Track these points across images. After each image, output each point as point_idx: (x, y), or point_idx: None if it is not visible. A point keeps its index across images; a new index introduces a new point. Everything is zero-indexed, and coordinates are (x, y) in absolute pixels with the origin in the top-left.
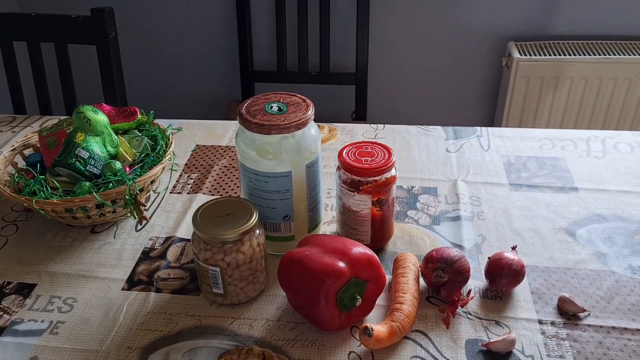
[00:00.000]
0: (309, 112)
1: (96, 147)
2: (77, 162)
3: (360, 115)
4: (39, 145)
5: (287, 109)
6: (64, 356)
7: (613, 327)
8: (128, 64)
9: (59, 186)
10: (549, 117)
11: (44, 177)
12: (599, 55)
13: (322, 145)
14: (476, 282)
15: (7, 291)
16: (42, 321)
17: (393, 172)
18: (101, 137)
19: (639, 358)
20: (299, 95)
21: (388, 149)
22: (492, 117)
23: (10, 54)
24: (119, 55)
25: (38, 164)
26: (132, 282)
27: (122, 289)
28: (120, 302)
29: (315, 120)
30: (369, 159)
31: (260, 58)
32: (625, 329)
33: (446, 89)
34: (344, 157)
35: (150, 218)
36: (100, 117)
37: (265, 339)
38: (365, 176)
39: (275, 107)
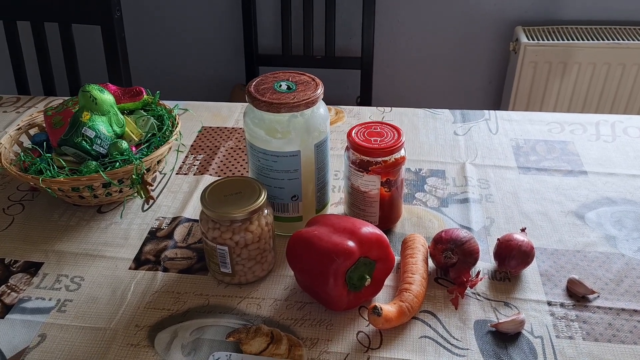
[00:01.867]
0: (318, 91)
1: (102, 126)
2: (84, 142)
3: (365, 100)
4: (44, 124)
5: (296, 87)
6: (72, 334)
7: (622, 309)
8: (132, 46)
9: (65, 165)
10: (556, 102)
11: (50, 155)
12: (607, 40)
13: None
14: (485, 264)
15: (14, 269)
16: (50, 299)
17: (402, 152)
18: (107, 117)
19: None
20: (308, 74)
21: (397, 130)
22: (498, 102)
23: (13, 34)
24: (124, 36)
25: (44, 143)
26: (139, 262)
27: (130, 268)
28: (127, 281)
29: None
30: (379, 139)
31: (265, 42)
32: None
33: (452, 74)
34: (353, 137)
35: (156, 199)
36: (106, 97)
37: (274, 318)
38: (374, 156)
39: (284, 86)
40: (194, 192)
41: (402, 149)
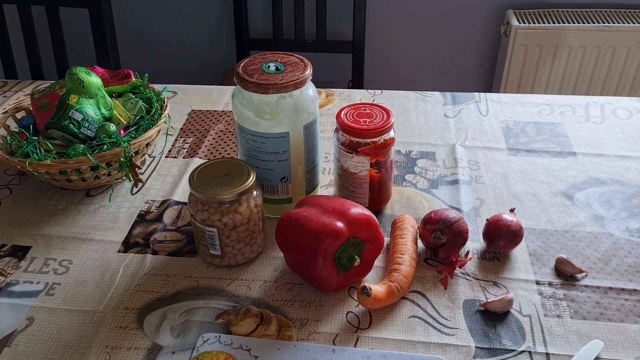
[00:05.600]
0: (307, 72)
1: (90, 109)
2: (71, 124)
3: (357, 84)
4: (31, 108)
5: (284, 68)
6: (61, 317)
7: (610, 288)
8: (122, 30)
9: (52, 148)
10: (546, 85)
11: (37, 138)
12: (598, 23)
13: (319, 110)
14: (474, 244)
15: (2, 253)
16: (38, 283)
17: (392, 133)
18: (95, 100)
19: (635, 317)
20: (296, 55)
21: (387, 111)
22: (490, 85)
23: (0, 17)
24: (112, 19)
25: (31, 127)
26: (128, 245)
27: (118, 251)
28: (116, 264)
29: None
30: (368, 120)
31: (256, 25)
32: (622, 289)
33: (444, 58)
34: (342, 118)
35: (145, 182)
36: (93, 79)
37: (263, 299)
38: (363, 137)
39: (272, 67)
40: (183, 175)
41: (392, 130)
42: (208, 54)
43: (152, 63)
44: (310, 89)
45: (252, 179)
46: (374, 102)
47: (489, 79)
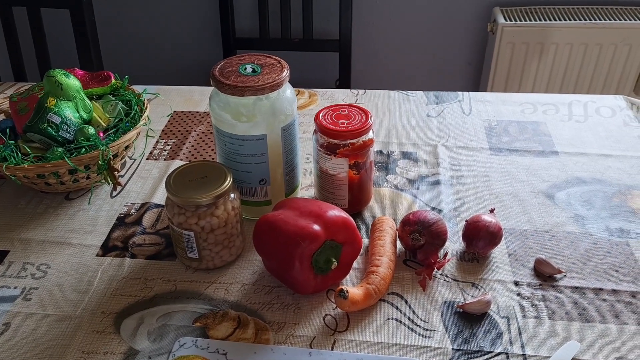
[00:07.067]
0: (284, 74)
1: (69, 112)
2: (49, 128)
3: (344, 83)
4: (10, 111)
5: (261, 70)
6: (37, 322)
7: (589, 288)
8: (107, 32)
9: (30, 152)
10: (533, 83)
11: (14, 142)
12: (585, 20)
13: (302, 110)
14: (454, 245)
15: None
16: (15, 287)
17: (370, 135)
18: (74, 102)
19: (613, 318)
20: (274, 57)
21: (365, 112)
22: (477, 83)
23: None
24: (94, 19)
25: (8, 130)
26: (106, 248)
27: (97, 255)
28: (94, 268)
29: (298, 87)
30: (346, 121)
31: (242, 25)
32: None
33: (431, 56)
34: (320, 119)
35: (125, 184)
36: (72, 82)
37: (241, 302)
38: (341, 139)
39: (249, 69)
40: (163, 178)
41: (370, 132)
42: (195, 54)
43: (138, 64)
44: (287, 90)
45: (228, 181)
46: (357, 103)
47: (477, 77)
